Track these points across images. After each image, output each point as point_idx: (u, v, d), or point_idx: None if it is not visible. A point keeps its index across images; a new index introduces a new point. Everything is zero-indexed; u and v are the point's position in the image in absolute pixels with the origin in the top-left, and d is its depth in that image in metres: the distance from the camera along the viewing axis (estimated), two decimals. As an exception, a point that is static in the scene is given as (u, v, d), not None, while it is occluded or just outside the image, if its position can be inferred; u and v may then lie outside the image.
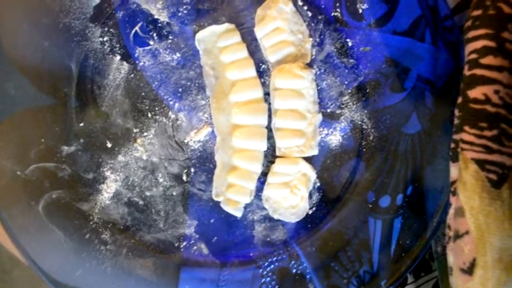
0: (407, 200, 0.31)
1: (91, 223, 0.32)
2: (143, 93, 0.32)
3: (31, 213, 0.31)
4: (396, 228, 0.31)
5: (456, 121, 0.26)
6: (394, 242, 0.31)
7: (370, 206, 0.31)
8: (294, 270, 0.32)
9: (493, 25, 0.25)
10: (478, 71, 0.25)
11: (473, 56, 0.25)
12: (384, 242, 0.31)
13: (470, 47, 0.25)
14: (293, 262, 0.32)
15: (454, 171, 0.27)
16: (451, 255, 0.27)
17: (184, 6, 0.31)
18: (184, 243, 0.33)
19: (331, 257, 0.32)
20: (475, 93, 0.25)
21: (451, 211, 0.27)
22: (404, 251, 0.31)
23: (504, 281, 0.25)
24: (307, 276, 0.32)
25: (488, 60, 0.24)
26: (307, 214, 0.32)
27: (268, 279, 0.32)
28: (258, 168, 0.31)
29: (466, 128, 0.25)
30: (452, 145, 0.27)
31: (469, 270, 0.25)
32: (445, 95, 0.30)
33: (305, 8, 0.31)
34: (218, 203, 0.32)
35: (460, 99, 0.26)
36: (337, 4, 0.30)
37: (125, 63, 0.31)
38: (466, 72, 0.25)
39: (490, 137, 0.25)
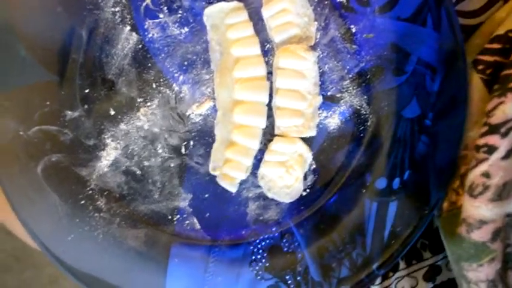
0: (404, 185, 0.31)
1: (87, 189, 0.33)
2: (149, 64, 0.32)
3: (29, 174, 0.32)
4: (391, 212, 0.31)
5: None
6: (388, 225, 0.31)
7: (367, 187, 0.32)
8: (286, 249, 0.32)
9: None
10: None
11: None
12: (378, 225, 0.31)
13: None
14: (285, 240, 0.33)
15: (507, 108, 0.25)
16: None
17: (196, -17, 0.32)
18: (178, 217, 0.33)
19: (325, 236, 0.32)
20: None
21: (494, 156, 0.26)
22: (397, 235, 0.31)
23: None
24: (299, 255, 0.32)
25: None
26: (301, 195, 0.33)
27: (259, 256, 0.32)
28: (256, 145, 0.32)
29: None
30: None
31: None
32: (445, 79, 0.30)
33: (312, -8, 0.32)
34: (214, 177, 0.33)
35: None
36: (344, -10, 0.31)
37: (134, 34, 0.32)
38: None
39: None
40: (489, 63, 0.30)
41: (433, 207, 0.31)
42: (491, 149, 0.26)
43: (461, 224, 0.27)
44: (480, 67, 0.30)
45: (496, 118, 0.26)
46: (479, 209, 0.26)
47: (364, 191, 0.32)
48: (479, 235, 0.26)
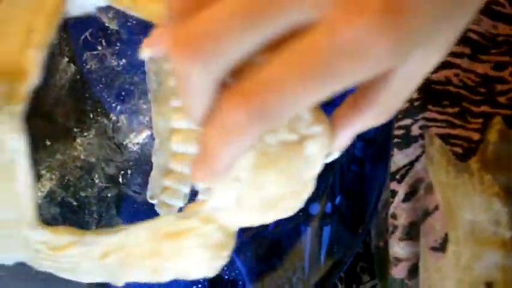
0: (336, 209, 0.32)
1: (20, 222, 0.32)
2: (87, 95, 0.33)
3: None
4: (326, 235, 0.32)
5: (415, 103, 0.27)
6: (324, 249, 0.32)
7: (301, 213, 0.33)
8: (226, 276, 0.33)
9: None
10: None
11: None
12: (314, 249, 0.32)
13: None
14: (225, 268, 0.33)
15: (400, 158, 0.28)
16: (398, 244, 0.27)
17: (134, 18, 0.33)
18: (115, 248, 0.33)
19: (265, 263, 0.33)
20: (437, 76, 0.27)
21: (396, 199, 0.28)
22: (333, 258, 0.32)
23: (477, 255, 0.25)
24: (240, 283, 0.32)
25: None
26: (240, 221, 0.33)
27: (200, 285, 0.32)
28: (194, 172, 0.32)
29: (429, 106, 0.27)
30: (401, 131, 0.28)
31: (441, 247, 0.25)
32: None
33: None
34: (152, 206, 0.33)
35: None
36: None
37: (71, 65, 0.33)
38: None
39: (453, 113, 0.26)
40: None
41: (365, 227, 0.32)
42: (393, 193, 0.29)
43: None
44: None
45: (393, 167, 0.29)
46: (394, 247, 0.28)
47: (299, 215, 0.33)
48: (397, 272, 0.28)
